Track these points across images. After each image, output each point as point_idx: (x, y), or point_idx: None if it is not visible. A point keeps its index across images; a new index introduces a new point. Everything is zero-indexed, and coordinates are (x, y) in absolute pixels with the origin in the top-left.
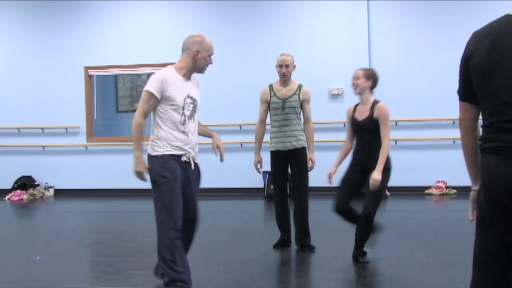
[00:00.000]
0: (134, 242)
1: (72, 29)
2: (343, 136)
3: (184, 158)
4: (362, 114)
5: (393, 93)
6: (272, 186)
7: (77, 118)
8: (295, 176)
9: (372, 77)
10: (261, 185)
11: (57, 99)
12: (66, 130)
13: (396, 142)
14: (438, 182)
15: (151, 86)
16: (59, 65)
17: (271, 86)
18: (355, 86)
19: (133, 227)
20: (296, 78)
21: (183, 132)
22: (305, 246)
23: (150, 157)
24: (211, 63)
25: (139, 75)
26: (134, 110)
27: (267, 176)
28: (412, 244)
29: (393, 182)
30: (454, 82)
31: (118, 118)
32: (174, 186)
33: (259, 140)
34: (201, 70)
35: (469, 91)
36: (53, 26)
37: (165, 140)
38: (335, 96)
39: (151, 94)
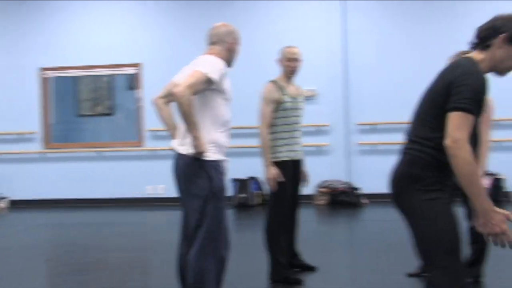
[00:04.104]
0: (90, 258)
1: (27, 29)
2: (318, 139)
3: None
4: None
5: (369, 94)
6: (274, 205)
7: (32, 123)
8: (297, 190)
9: None
10: (229, 193)
11: (10, 102)
12: (20, 136)
13: (374, 147)
14: None
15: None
16: (12, 66)
17: (276, 83)
18: None
19: (91, 241)
20: (268, 79)
21: None
22: (304, 266)
23: None
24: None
25: (100, 77)
26: (97, 114)
27: (238, 185)
28: (389, 256)
29: (373, 189)
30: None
31: (79, 122)
32: None
33: (270, 147)
34: (232, 63)
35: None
36: (6, 25)
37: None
38: (309, 98)
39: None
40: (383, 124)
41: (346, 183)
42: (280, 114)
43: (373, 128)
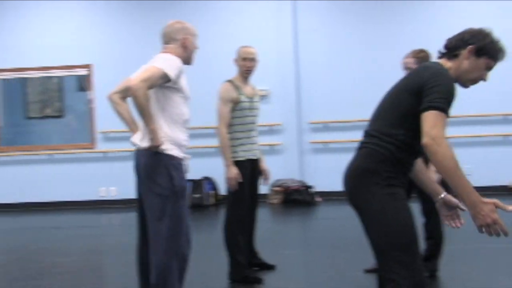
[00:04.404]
0: (44, 263)
1: None
2: (271, 139)
3: None
4: None
5: (321, 93)
6: (232, 204)
7: None
8: (256, 189)
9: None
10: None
11: None
12: None
13: (326, 145)
14: None
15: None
16: None
17: (232, 83)
18: None
19: (44, 246)
20: (219, 79)
21: None
22: (263, 264)
23: None
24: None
25: (50, 78)
26: (46, 117)
27: (192, 185)
28: (345, 253)
29: (326, 187)
30: (382, 82)
31: (28, 125)
32: None
33: (229, 147)
34: (191, 59)
35: None
36: None
37: None
38: (262, 98)
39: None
40: (334, 122)
41: (299, 181)
42: (236, 114)
43: (325, 127)
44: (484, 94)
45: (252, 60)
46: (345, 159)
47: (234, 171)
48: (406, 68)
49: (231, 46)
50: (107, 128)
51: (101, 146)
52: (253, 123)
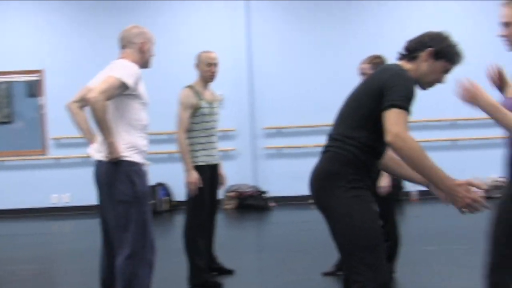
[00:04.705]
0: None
1: None
2: (225, 144)
3: None
4: None
5: (275, 99)
6: (192, 209)
7: None
8: (215, 194)
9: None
10: None
11: None
12: None
13: (280, 150)
14: None
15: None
16: None
17: (193, 88)
18: None
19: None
20: (172, 84)
21: None
22: (222, 269)
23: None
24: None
25: None
26: None
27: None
28: (302, 257)
29: (280, 192)
30: (336, 87)
31: None
32: None
33: (189, 152)
34: (148, 63)
35: None
36: None
37: None
38: (220, 103)
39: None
40: (288, 128)
41: (253, 187)
42: (197, 119)
43: (279, 132)
44: (432, 100)
45: (216, 65)
46: (299, 164)
47: (195, 175)
48: (362, 73)
49: (184, 51)
50: (59, 134)
51: (53, 152)
52: (213, 128)
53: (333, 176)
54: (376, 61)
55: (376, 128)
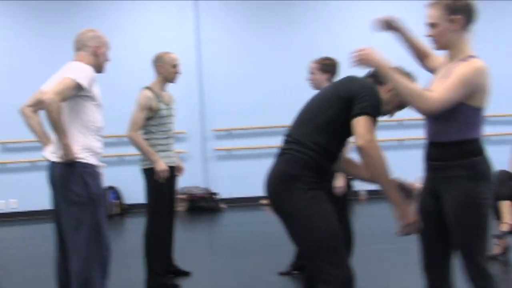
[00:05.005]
0: None
1: None
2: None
3: None
4: None
5: (224, 100)
6: (154, 212)
7: None
8: (173, 196)
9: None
10: None
11: None
12: None
13: (230, 152)
14: None
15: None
16: None
17: (152, 90)
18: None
19: None
20: (121, 85)
21: None
22: (179, 271)
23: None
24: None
25: None
26: None
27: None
28: (255, 258)
29: (230, 194)
30: (286, 89)
31: None
32: None
33: (149, 146)
34: (102, 68)
35: None
36: None
37: None
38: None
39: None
40: (238, 129)
41: (204, 189)
42: (156, 121)
43: (229, 134)
44: None
45: (178, 66)
46: (249, 165)
47: (163, 164)
48: (311, 73)
49: (135, 53)
50: (6, 138)
51: (0, 157)
52: (170, 130)
53: (291, 178)
54: (325, 63)
55: (338, 134)
